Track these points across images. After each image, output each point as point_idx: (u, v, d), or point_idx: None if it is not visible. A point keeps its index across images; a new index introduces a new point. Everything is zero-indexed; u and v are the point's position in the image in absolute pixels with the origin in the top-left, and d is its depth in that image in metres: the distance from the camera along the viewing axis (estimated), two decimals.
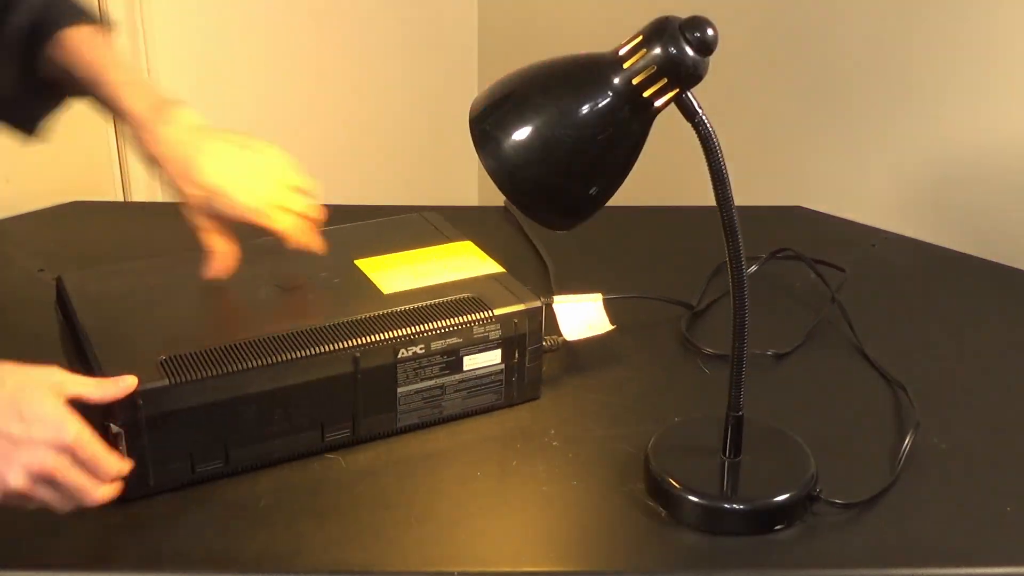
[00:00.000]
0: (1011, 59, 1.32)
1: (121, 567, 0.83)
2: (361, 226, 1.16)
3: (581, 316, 1.10)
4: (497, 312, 0.98)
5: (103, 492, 0.82)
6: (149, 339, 0.92)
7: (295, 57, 1.99)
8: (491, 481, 0.93)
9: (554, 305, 1.09)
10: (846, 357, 1.13)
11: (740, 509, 0.87)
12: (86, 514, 0.85)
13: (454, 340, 0.97)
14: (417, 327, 0.95)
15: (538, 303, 1.01)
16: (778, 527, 0.87)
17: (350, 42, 2.05)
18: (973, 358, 1.14)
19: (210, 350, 0.90)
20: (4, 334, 1.03)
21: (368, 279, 1.03)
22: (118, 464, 0.83)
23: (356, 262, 1.06)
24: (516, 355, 1.00)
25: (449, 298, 0.99)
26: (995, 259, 1.34)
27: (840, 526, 0.87)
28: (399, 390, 0.96)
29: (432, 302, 0.98)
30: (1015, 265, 1.32)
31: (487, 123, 0.82)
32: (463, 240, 1.12)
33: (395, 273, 1.04)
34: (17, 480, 0.77)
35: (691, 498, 0.87)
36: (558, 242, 1.31)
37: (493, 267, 1.07)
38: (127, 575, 0.83)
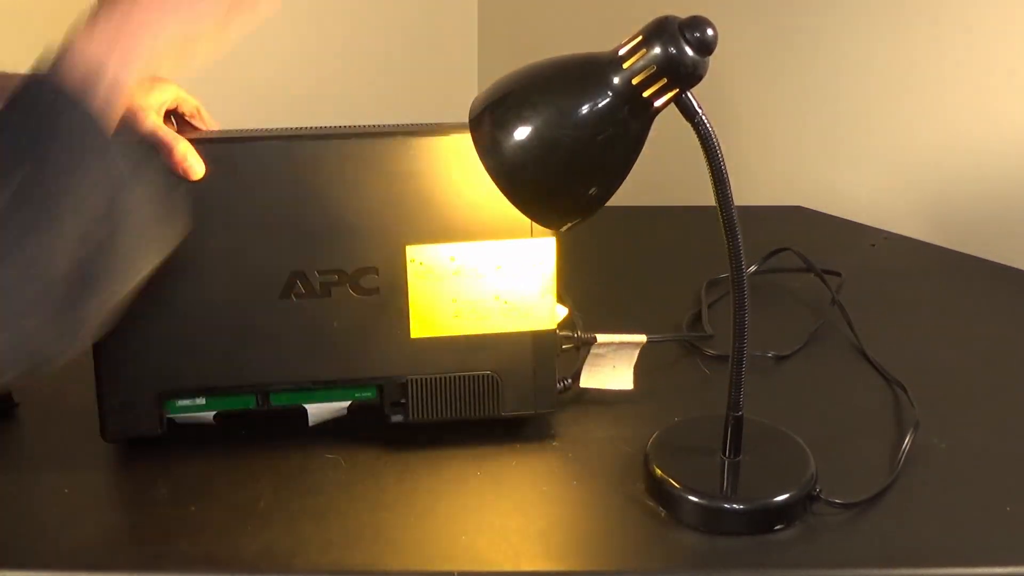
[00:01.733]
0: (1011, 58, 1.32)
1: (121, 568, 0.83)
2: None
3: (610, 364, 1.04)
4: (503, 414, 0.96)
5: None
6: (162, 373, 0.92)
7: (295, 56, 1.98)
8: (491, 481, 0.93)
9: (592, 349, 1.02)
10: (846, 357, 1.13)
11: (740, 509, 0.87)
12: (86, 514, 0.85)
13: (448, 417, 0.96)
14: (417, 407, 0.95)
15: (550, 408, 0.98)
16: (778, 527, 0.87)
17: (350, 42, 2.04)
18: (973, 358, 1.14)
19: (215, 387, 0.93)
20: None
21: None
22: None
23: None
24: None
25: (465, 373, 0.95)
26: (995, 259, 1.34)
27: (840, 526, 0.87)
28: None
29: (445, 375, 0.95)
30: (1015, 265, 1.32)
31: (486, 123, 0.82)
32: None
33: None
34: None
35: (691, 498, 0.87)
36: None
37: (545, 324, 0.96)
38: (127, 575, 0.83)
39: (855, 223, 1.45)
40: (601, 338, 1.01)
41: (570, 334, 1.00)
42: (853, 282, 1.27)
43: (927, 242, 1.39)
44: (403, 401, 0.95)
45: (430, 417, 0.95)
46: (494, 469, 0.94)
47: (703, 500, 0.87)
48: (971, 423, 1.01)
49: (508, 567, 0.83)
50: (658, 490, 0.89)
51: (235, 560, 0.83)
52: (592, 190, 0.83)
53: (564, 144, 0.81)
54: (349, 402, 0.95)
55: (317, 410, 0.95)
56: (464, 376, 0.95)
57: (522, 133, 0.81)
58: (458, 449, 0.96)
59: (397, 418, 0.95)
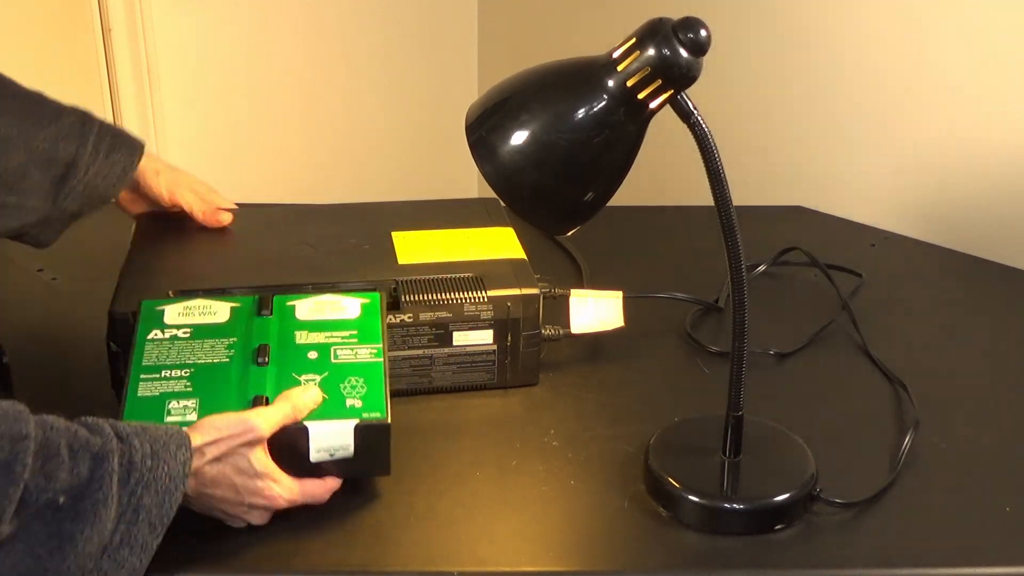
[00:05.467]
0: (1011, 59, 1.32)
1: None
2: (420, 204, 1.20)
3: (594, 311, 1.09)
4: (491, 294, 1.00)
5: None
6: (174, 274, 1.01)
7: (295, 57, 1.99)
8: (490, 481, 0.93)
9: (570, 298, 1.09)
10: (846, 356, 1.13)
11: (740, 509, 0.87)
12: None
13: (443, 314, 0.99)
14: (409, 296, 0.98)
15: (535, 291, 1.01)
16: (778, 527, 0.87)
17: (350, 42, 2.05)
18: (973, 358, 1.14)
19: (213, 289, 0.97)
20: (3, 334, 1.03)
21: (393, 249, 1.06)
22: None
23: (392, 233, 1.09)
24: (510, 338, 1.01)
25: (452, 275, 1.01)
26: (995, 259, 1.34)
27: (840, 526, 0.87)
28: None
29: (433, 277, 1.01)
30: (1015, 265, 1.32)
31: (483, 129, 0.82)
32: (506, 227, 1.13)
33: (422, 247, 1.07)
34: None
35: (691, 498, 0.87)
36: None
37: (516, 253, 1.07)
38: None
39: (855, 223, 1.45)
40: (576, 292, 1.08)
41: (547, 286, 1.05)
42: (852, 282, 1.26)
43: (927, 242, 1.39)
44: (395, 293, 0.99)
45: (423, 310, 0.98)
46: (493, 469, 0.94)
47: (703, 500, 0.87)
48: (971, 423, 1.01)
49: (508, 567, 0.83)
50: (658, 490, 0.89)
51: (235, 560, 0.83)
52: (589, 194, 0.83)
53: (561, 147, 0.81)
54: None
55: None
56: (448, 277, 1.01)
57: (519, 138, 0.81)
58: (457, 449, 0.96)
59: (392, 320, 0.98)
